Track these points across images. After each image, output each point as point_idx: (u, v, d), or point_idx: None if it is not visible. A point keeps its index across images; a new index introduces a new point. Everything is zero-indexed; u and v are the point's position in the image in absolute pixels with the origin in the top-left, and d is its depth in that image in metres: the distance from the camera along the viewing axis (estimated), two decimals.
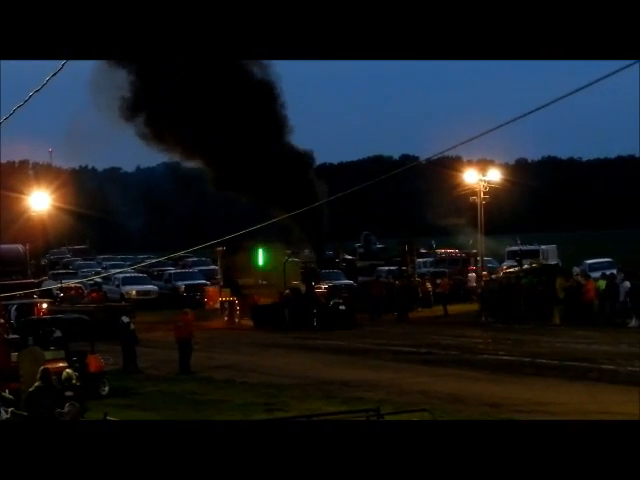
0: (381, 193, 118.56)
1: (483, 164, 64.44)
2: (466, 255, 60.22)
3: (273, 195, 44.24)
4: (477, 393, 23.76)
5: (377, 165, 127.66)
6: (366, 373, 28.28)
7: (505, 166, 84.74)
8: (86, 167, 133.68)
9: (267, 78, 46.54)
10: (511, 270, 48.72)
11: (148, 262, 57.18)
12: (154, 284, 57.92)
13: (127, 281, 56.61)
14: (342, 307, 42.62)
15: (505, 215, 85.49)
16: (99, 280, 53.45)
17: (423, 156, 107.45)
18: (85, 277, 53.05)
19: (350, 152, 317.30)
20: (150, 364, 31.94)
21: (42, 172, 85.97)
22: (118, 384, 27.21)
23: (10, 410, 16.71)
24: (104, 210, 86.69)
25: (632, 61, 8.88)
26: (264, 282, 46.25)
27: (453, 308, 47.33)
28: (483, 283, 47.68)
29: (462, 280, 54.13)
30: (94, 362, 26.42)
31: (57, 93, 27.84)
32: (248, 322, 44.90)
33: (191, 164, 52.83)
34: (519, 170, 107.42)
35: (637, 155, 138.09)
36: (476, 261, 58.00)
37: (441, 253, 63.62)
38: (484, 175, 57.86)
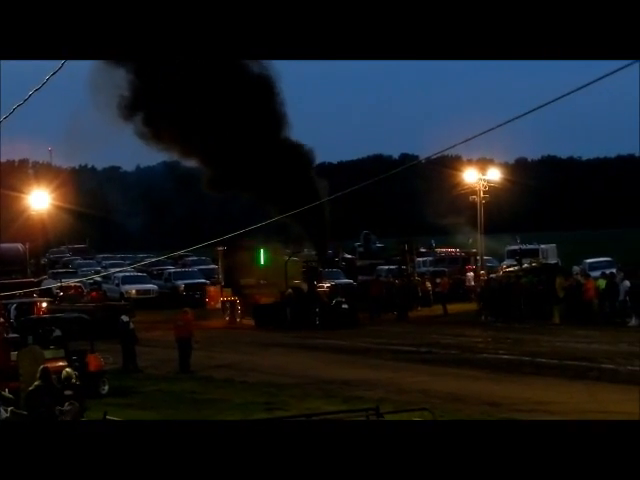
0: (381, 192, 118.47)
1: (483, 163, 64.45)
2: (466, 254, 60.22)
3: (273, 193, 44.21)
4: (477, 392, 23.76)
5: (377, 164, 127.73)
6: (366, 372, 28.28)
7: (505, 165, 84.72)
8: (86, 166, 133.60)
9: (265, 73, 46.44)
10: (511, 269, 48.73)
11: (148, 261, 57.15)
12: (154, 283, 57.91)
13: (127, 280, 56.62)
14: (345, 306, 42.61)
15: (505, 214, 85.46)
16: (99, 279, 53.48)
17: (423, 155, 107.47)
18: (85, 276, 53.03)
19: (350, 151, 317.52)
20: (150, 363, 31.94)
21: (42, 171, 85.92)
22: (118, 383, 27.21)
23: (10, 409, 16.72)
24: (104, 209, 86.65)
25: (630, 61, 8.88)
26: (265, 282, 46.25)
27: (453, 307, 47.34)
28: (483, 282, 47.71)
29: (461, 279, 54.16)
30: (94, 361, 26.42)
31: (57, 92, 27.82)
32: (249, 321, 44.93)
33: (190, 163, 52.84)
34: (519, 169, 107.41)
35: (637, 154, 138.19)
36: (476, 260, 58.02)
37: (441, 252, 63.63)
38: (484, 174, 57.87)
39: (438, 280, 51.11)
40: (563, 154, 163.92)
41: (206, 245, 20.64)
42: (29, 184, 62.71)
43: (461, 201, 61.60)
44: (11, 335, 26.01)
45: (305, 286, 44.35)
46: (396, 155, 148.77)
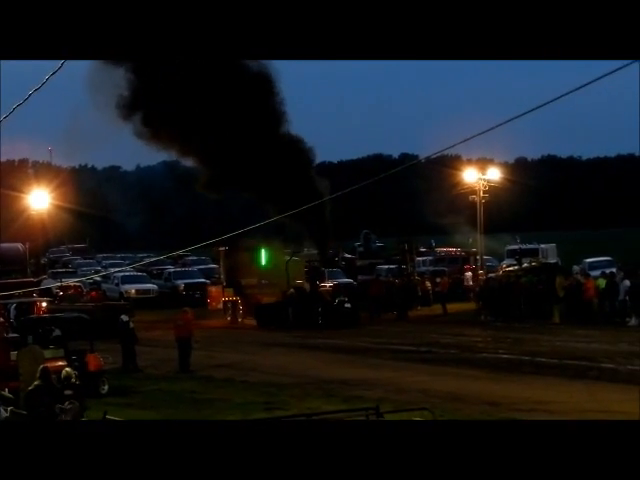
0: (381, 192, 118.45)
1: (483, 163, 64.49)
2: (466, 254, 60.22)
3: (274, 192, 44.20)
4: (476, 392, 23.76)
5: (377, 164, 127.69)
6: (366, 372, 28.29)
7: (505, 165, 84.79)
8: (86, 166, 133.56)
9: (264, 72, 46.36)
10: (511, 269, 48.74)
11: (147, 261, 57.15)
12: (153, 283, 57.91)
13: (126, 280, 56.61)
14: (347, 305, 42.62)
15: (504, 214, 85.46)
16: (98, 279, 53.48)
17: (423, 155, 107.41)
18: (84, 276, 53.03)
19: (350, 151, 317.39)
20: (150, 363, 31.95)
21: (42, 171, 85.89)
22: (117, 383, 27.21)
23: (9, 409, 16.72)
24: (104, 209, 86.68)
25: (629, 61, 8.87)
26: (266, 282, 46.22)
27: (452, 307, 47.35)
28: (481, 282, 47.71)
29: (461, 279, 54.18)
30: (93, 361, 26.41)
31: (56, 92, 27.82)
32: (251, 321, 44.92)
33: (189, 162, 52.82)
34: (519, 169, 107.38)
35: (637, 154, 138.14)
36: (475, 260, 58.04)
37: (441, 252, 63.62)
38: (484, 174, 57.90)
39: (438, 280, 51.13)
40: (563, 154, 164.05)
41: (206, 245, 20.63)
42: (29, 184, 62.70)
43: (461, 201, 61.64)
44: (11, 335, 26.01)
45: (307, 286, 44.32)
46: (396, 155, 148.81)
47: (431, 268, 57.65)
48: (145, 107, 46.36)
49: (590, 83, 10.09)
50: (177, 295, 55.07)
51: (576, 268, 47.64)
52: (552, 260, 52.40)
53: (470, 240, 62.05)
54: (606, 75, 9.71)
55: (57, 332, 26.27)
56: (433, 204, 78.72)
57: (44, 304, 34.37)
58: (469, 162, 66.94)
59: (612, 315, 37.97)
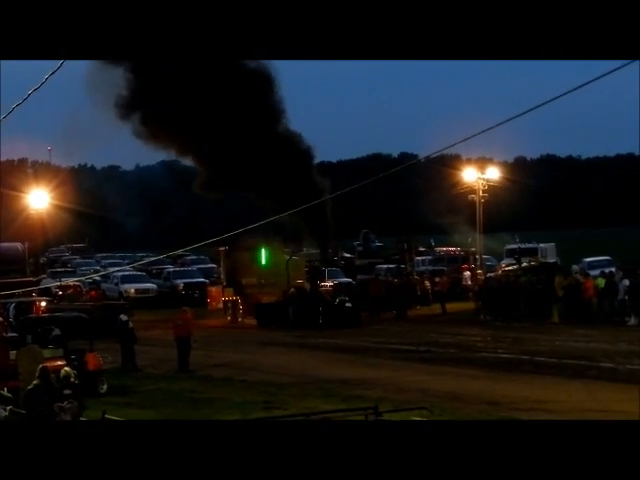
0: (380, 191, 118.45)
1: (482, 162, 64.50)
2: (465, 253, 60.21)
3: (274, 192, 44.16)
4: (476, 391, 23.77)
5: (376, 163, 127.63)
6: (365, 371, 28.28)
7: (504, 164, 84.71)
8: (85, 165, 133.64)
9: (263, 70, 46.28)
10: (510, 268, 48.74)
11: (147, 260, 57.13)
12: (153, 282, 57.89)
13: (126, 279, 56.60)
14: (348, 305, 42.62)
15: (504, 213, 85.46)
16: (98, 278, 53.44)
17: (422, 154, 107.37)
18: (84, 275, 53.01)
19: (349, 150, 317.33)
20: (149, 362, 31.94)
21: (41, 170, 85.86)
22: (117, 382, 27.20)
23: (9, 408, 16.71)
24: (103, 208, 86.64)
25: (627, 61, 8.87)
26: (266, 281, 46.18)
27: (451, 306, 47.34)
28: (480, 282, 47.71)
29: (460, 278, 54.18)
30: (93, 360, 26.40)
31: (56, 92, 27.80)
32: (251, 321, 44.90)
33: (188, 162, 52.78)
34: (518, 168, 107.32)
35: (636, 153, 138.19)
36: (475, 259, 58.04)
37: (440, 251, 63.61)
38: (483, 173, 57.90)
39: (437, 279, 51.11)
40: (562, 153, 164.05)
41: (206, 244, 20.62)
42: (28, 183, 62.73)
43: (460, 200, 61.64)
44: (10, 334, 26.00)
45: (308, 285, 44.30)
46: (395, 154, 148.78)
47: (430, 267, 57.64)
48: (144, 106, 46.35)
49: (589, 83, 10.10)
50: (176, 294, 55.03)
51: (575, 267, 47.62)
52: (551, 259, 52.39)
53: (469, 239, 62.05)
54: (605, 75, 9.72)
55: (56, 331, 26.26)
56: (432, 203, 78.73)
57: (43, 303, 34.40)
58: (468, 161, 66.91)
59: (611, 314, 37.97)
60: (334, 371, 28.55)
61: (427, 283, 50.77)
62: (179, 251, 45.12)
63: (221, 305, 47.93)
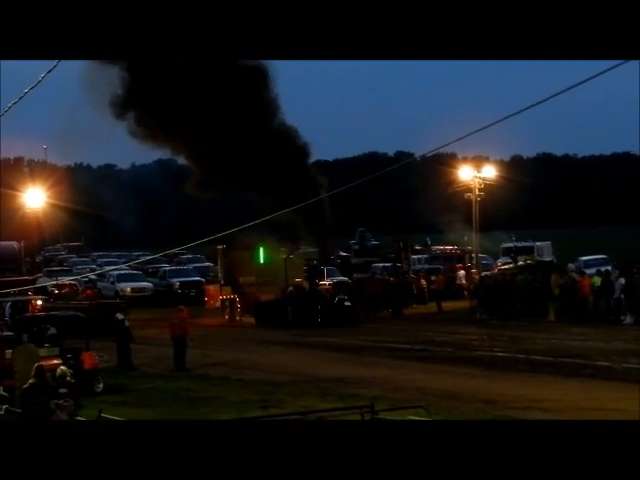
0: (376, 190, 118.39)
1: (478, 161, 64.55)
2: (461, 252, 60.20)
3: (272, 189, 44.12)
4: (472, 390, 23.77)
5: (372, 162, 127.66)
6: (361, 370, 28.28)
7: (500, 163, 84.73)
8: (81, 164, 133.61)
9: (258, 66, 46.16)
10: (506, 267, 48.75)
11: (143, 259, 57.08)
12: (149, 281, 57.85)
13: (122, 278, 56.55)
14: (347, 303, 42.61)
15: (500, 212, 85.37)
16: (94, 277, 53.38)
17: (418, 153, 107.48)
18: (80, 274, 52.96)
19: (345, 149, 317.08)
20: (145, 361, 31.91)
21: (37, 169, 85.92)
22: (113, 381, 27.18)
23: (4, 407, 16.70)
24: (99, 207, 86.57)
25: (620, 61, 8.87)
26: (264, 280, 46.12)
27: (447, 305, 47.34)
28: (475, 280, 47.72)
29: (455, 277, 54.20)
30: (88, 359, 26.38)
31: (52, 90, 27.80)
32: (249, 319, 44.86)
33: (184, 160, 52.71)
34: (514, 167, 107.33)
35: (632, 152, 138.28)
36: (471, 258, 58.03)
37: (436, 250, 63.60)
38: (479, 172, 57.89)
39: (433, 278, 51.10)
40: (558, 151, 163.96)
41: (202, 242, 20.60)
42: (24, 182, 62.73)
43: (456, 199, 61.64)
44: (6, 333, 25.98)
45: (307, 284, 44.25)
46: (391, 153, 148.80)
47: (426, 266, 57.63)
48: (139, 105, 46.31)
49: (584, 82, 10.10)
50: (172, 293, 54.97)
51: (571, 266, 47.62)
52: (547, 258, 52.45)
53: (465, 238, 62.05)
54: (600, 74, 9.74)
55: (52, 330, 26.24)
56: (429, 202, 78.68)
57: (39, 302, 34.40)
58: (465, 160, 66.96)
59: (607, 313, 38.00)
60: (331, 370, 28.54)
61: (423, 282, 50.77)
62: (175, 250, 45.10)
63: (219, 304, 47.88)
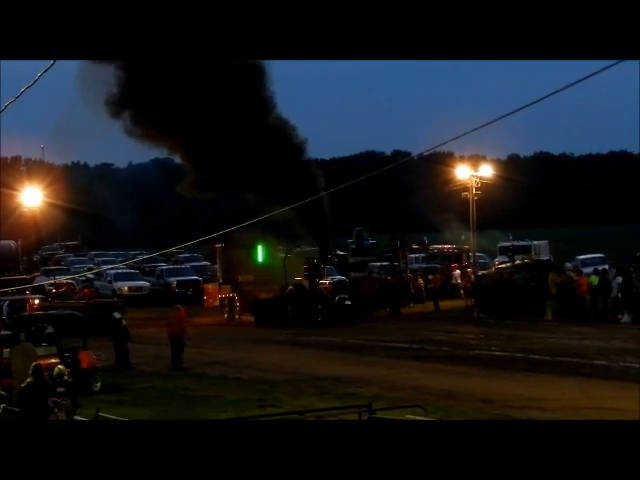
0: (373, 189, 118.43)
1: (475, 160, 64.58)
2: (458, 251, 60.21)
3: (270, 188, 44.06)
4: (469, 389, 23.77)
5: (369, 161, 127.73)
6: (359, 369, 28.27)
7: (497, 162, 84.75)
8: (78, 163, 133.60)
9: (253, 64, 46.10)
10: (503, 266, 48.77)
11: (140, 258, 57.06)
12: (146, 280, 57.82)
13: (119, 277, 56.53)
14: (348, 302, 42.57)
15: (497, 211, 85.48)
16: (91, 276, 53.37)
17: (415, 152, 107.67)
18: (77, 273, 52.94)
19: (342, 148, 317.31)
20: (142, 360, 31.90)
21: (34, 168, 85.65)
22: (110, 380, 27.17)
23: (2, 406, 16.68)
24: (96, 206, 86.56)
25: (615, 61, 8.87)
26: (263, 278, 46.06)
27: (445, 304, 47.35)
28: (473, 279, 47.71)
29: (451, 276, 54.22)
30: (86, 358, 26.37)
31: (49, 89, 27.79)
32: (248, 318, 44.81)
33: (180, 160, 52.61)
34: (511, 166, 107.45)
35: (629, 150, 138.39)
36: (468, 257, 58.04)
37: (433, 249, 63.62)
38: (476, 171, 57.91)
39: (430, 277, 51.11)
40: (555, 150, 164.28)
41: (200, 241, 20.57)
42: (22, 181, 62.63)
43: (453, 198, 61.62)
44: (3, 332, 25.98)
45: (307, 283, 44.18)
46: (388, 152, 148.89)
47: (423, 265, 57.66)
48: (134, 104, 46.25)
49: (580, 81, 10.09)
50: (170, 292, 54.93)
51: (568, 265, 47.63)
52: (544, 257, 52.46)
53: (462, 237, 62.06)
54: (597, 73, 9.72)
55: (50, 329, 26.22)
56: (426, 201, 78.75)
57: (37, 301, 34.39)
58: (461, 159, 67.00)
59: (605, 312, 37.99)
60: (328, 369, 28.53)
61: (420, 281, 50.78)
62: (172, 249, 45.04)
63: (218, 303, 47.85)
